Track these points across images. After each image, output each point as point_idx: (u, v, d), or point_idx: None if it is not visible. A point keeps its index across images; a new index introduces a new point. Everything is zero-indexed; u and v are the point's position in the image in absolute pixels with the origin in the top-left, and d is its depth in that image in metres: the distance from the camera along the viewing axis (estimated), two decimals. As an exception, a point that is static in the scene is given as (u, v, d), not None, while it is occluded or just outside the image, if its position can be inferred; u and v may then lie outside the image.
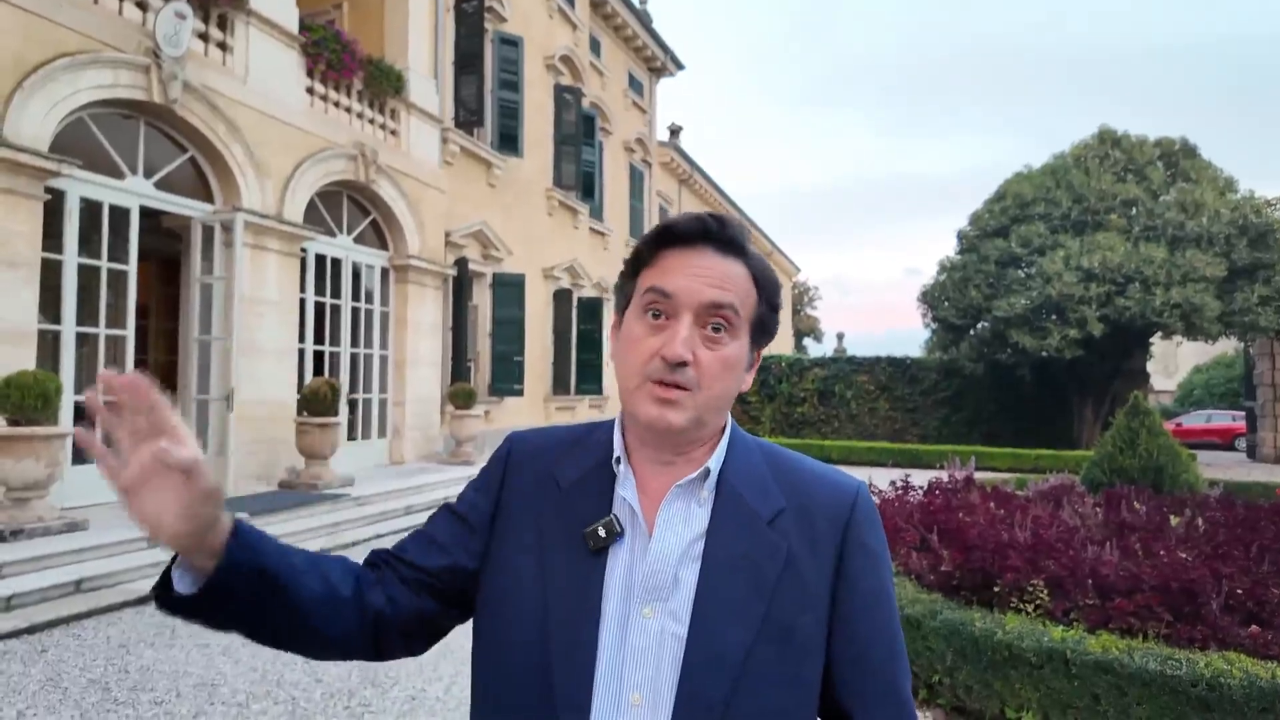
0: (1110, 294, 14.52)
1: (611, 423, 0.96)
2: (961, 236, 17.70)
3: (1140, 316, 14.36)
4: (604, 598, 0.85)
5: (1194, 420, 24.41)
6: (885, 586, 0.90)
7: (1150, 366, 18.72)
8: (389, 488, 8.88)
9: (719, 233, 0.89)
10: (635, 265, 0.93)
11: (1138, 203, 15.78)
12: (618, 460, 0.91)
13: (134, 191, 7.55)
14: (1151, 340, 16.76)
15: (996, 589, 3.63)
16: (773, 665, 0.83)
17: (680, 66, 22.50)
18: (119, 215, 7.39)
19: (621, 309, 0.94)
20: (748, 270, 0.90)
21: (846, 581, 0.88)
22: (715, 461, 0.90)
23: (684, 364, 0.84)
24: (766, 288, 0.92)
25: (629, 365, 0.88)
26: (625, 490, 0.89)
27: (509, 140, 14.12)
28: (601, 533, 0.87)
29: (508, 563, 0.92)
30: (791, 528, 0.88)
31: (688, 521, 0.88)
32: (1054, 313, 15.10)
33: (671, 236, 0.90)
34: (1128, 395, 7.53)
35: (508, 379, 13.70)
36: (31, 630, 4.44)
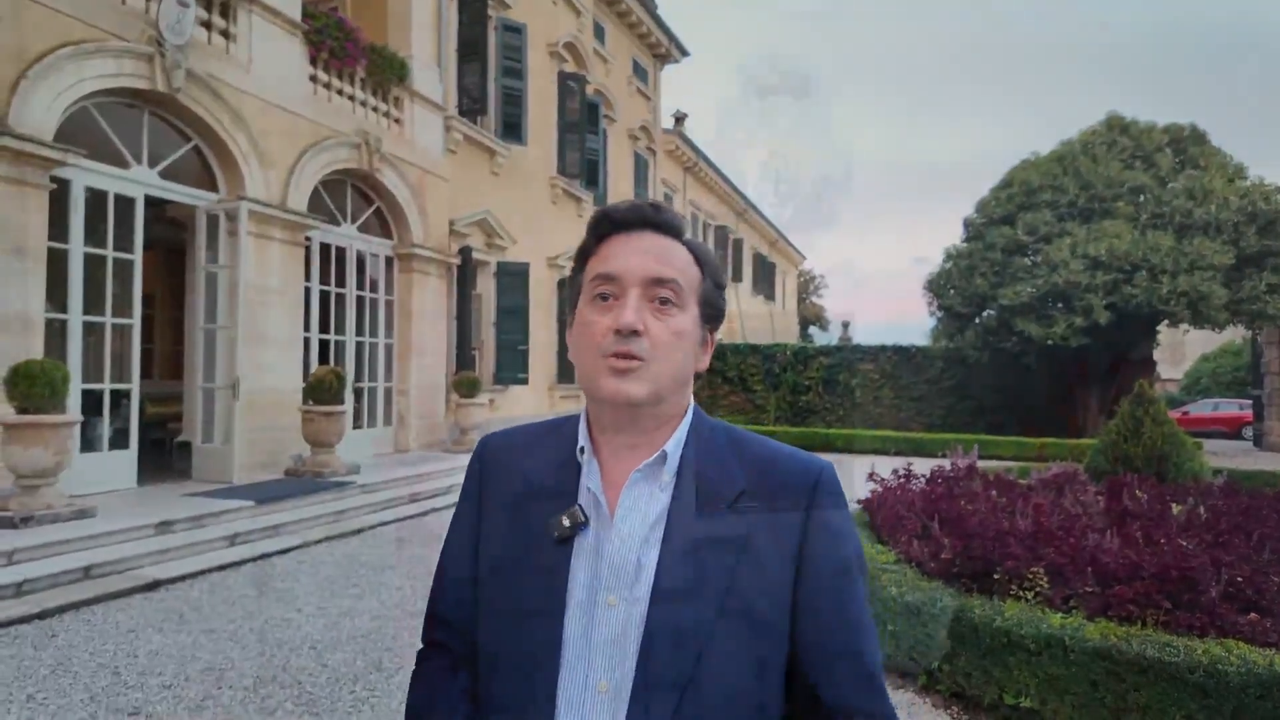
0: (1117, 282, 14.43)
1: (579, 416, 0.97)
2: (968, 224, 17.59)
3: (1147, 305, 14.28)
4: (570, 587, 0.86)
5: (1201, 409, 24.33)
6: (849, 564, 0.90)
7: (1157, 355, 18.60)
8: (395, 475, 8.93)
9: (655, 217, 0.92)
10: (582, 260, 0.95)
11: (1145, 190, 15.63)
12: (582, 450, 0.92)
13: (139, 181, 7.58)
14: (1158, 329, 16.65)
15: (996, 576, 3.65)
16: (733, 646, 0.83)
17: (685, 53, 22.37)
18: (124, 204, 7.41)
19: (574, 305, 0.95)
20: (688, 250, 0.93)
21: (809, 561, 0.87)
22: (674, 444, 0.91)
23: (636, 333, 0.86)
24: (708, 266, 0.95)
25: (584, 348, 0.90)
26: (590, 480, 0.90)
27: (512, 128, 14.07)
28: (565, 523, 0.88)
29: (486, 558, 0.94)
30: (752, 509, 0.88)
31: (649, 506, 0.89)
32: (1060, 301, 15.01)
33: (610, 224, 0.92)
34: (1134, 384, 7.50)
35: (512, 368, 13.74)
36: (42, 615, 4.50)
